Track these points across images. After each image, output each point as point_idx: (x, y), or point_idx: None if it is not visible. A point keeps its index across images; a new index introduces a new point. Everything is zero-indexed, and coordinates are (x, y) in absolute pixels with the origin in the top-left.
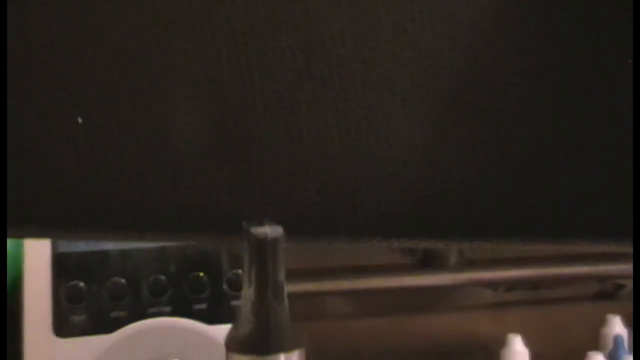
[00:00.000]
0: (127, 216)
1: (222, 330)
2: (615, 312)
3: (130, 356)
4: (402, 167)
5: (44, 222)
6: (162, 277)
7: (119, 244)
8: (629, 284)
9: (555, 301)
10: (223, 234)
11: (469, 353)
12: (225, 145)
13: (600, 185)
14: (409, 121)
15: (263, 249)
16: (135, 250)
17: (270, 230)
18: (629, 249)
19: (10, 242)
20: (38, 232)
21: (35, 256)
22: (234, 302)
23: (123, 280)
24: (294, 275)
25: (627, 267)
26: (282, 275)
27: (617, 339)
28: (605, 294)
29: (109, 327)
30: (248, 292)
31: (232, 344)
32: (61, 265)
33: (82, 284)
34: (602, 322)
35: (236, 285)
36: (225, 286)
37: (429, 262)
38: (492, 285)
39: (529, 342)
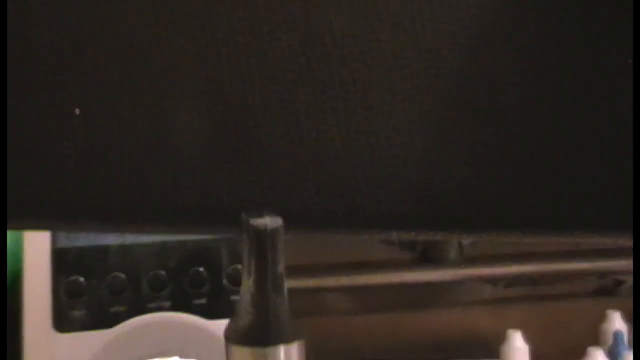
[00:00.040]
0: (126, 212)
1: (221, 325)
2: (615, 308)
3: (130, 351)
4: (402, 167)
5: (43, 214)
6: (162, 272)
7: (119, 239)
8: (629, 279)
9: (555, 297)
10: (222, 229)
11: (468, 349)
12: (225, 145)
13: (600, 185)
14: (409, 121)
15: (262, 240)
16: (135, 245)
17: (270, 221)
18: (628, 242)
19: (10, 238)
20: (37, 224)
21: (35, 251)
22: (234, 297)
23: (123, 275)
24: (294, 271)
25: (627, 263)
26: (281, 267)
27: (617, 335)
28: (605, 290)
29: (109, 322)
30: (247, 284)
31: (232, 335)
32: (61, 261)
33: (82, 279)
34: (602, 317)
35: (236, 280)
36: (225, 281)
37: (428, 258)
38: (492, 281)
39: (528, 337)
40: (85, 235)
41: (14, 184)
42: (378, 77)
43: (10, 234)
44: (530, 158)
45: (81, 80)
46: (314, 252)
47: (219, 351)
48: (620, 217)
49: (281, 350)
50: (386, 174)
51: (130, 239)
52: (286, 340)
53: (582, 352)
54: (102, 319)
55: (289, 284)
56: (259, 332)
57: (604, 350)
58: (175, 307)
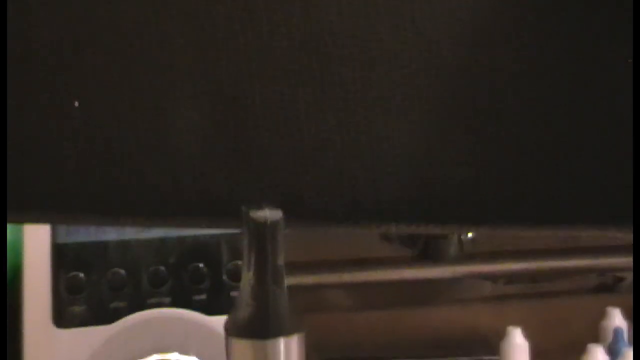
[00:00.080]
0: (126, 206)
1: (221, 321)
2: (615, 305)
3: (130, 347)
4: (402, 166)
5: (43, 208)
6: (162, 268)
7: (119, 235)
8: (629, 277)
9: (555, 294)
10: (222, 222)
11: (468, 345)
12: (225, 145)
13: (600, 185)
14: (409, 121)
15: (262, 233)
16: (135, 241)
17: (270, 214)
18: (628, 235)
19: (10, 233)
20: (36, 218)
21: (35, 247)
22: (234, 293)
23: (123, 271)
24: (295, 267)
25: (627, 260)
26: (281, 259)
27: (617, 332)
28: (605, 287)
29: (109, 317)
30: (247, 276)
31: (231, 328)
32: (61, 256)
33: (81, 275)
34: (602, 314)
35: (236, 276)
36: (224, 277)
37: (429, 255)
38: (492, 278)
39: (528, 334)
40: (85, 231)
41: (13, 183)
42: (378, 77)
43: (10, 230)
44: (530, 158)
45: (81, 80)
46: (314, 249)
47: (219, 347)
48: (620, 212)
49: (281, 342)
50: (386, 173)
51: (130, 235)
52: (286, 332)
53: (582, 348)
54: (102, 315)
55: (289, 280)
56: (258, 324)
57: (604, 347)
58: (175, 303)
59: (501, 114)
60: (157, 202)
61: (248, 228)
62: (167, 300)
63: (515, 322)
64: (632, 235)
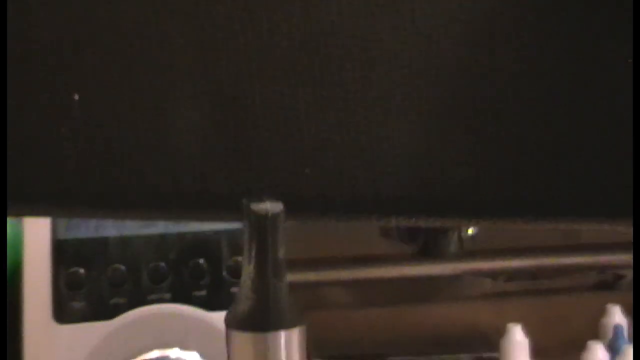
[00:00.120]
0: (126, 200)
1: (222, 317)
2: (615, 302)
3: (130, 342)
4: (402, 166)
5: (41, 201)
6: (162, 264)
7: (119, 231)
8: (629, 274)
9: (555, 291)
10: (223, 216)
11: (468, 342)
12: (225, 145)
13: (600, 186)
14: (409, 121)
15: (263, 225)
16: (135, 237)
17: (271, 206)
18: (628, 228)
19: (10, 229)
20: (35, 211)
21: (35, 243)
22: (234, 289)
23: (123, 267)
24: (294, 265)
25: (627, 258)
26: (282, 252)
27: (617, 329)
28: (605, 284)
29: (109, 313)
30: (248, 269)
31: (232, 321)
32: (61, 252)
33: (82, 271)
34: (602, 312)
35: (236, 272)
36: (225, 273)
37: (429, 252)
38: (492, 275)
39: (529, 331)
40: (85, 227)
41: (13, 184)
42: (378, 77)
43: (10, 226)
44: (530, 158)
45: (81, 80)
46: (313, 246)
47: (219, 343)
48: (620, 211)
49: (282, 335)
50: (386, 173)
51: (130, 231)
52: (287, 325)
53: (582, 345)
54: (102, 311)
55: (288, 278)
56: (259, 317)
57: (604, 344)
58: (175, 299)
59: (501, 114)
60: (157, 199)
61: (249, 221)
62: (168, 296)
63: (516, 319)
64: (631, 230)
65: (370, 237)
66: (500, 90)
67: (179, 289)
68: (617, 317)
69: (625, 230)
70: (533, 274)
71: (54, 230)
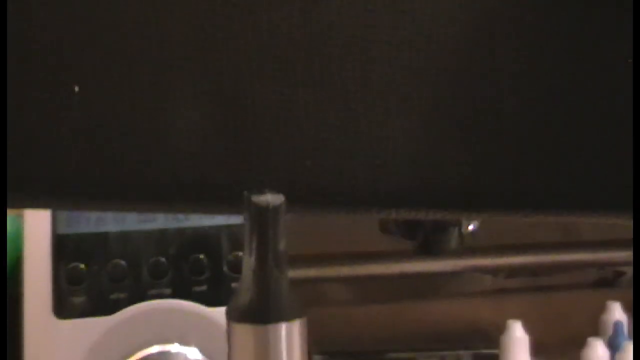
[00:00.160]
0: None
1: (222, 312)
2: (615, 299)
3: (130, 338)
4: (402, 166)
5: (41, 193)
6: (162, 259)
7: (120, 226)
8: (629, 271)
9: (555, 288)
10: (223, 208)
11: (469, 339)
12: (225, 145)
13: (600, 186)
14: (409, 121)
15: (264, 217)
16: (136, 232)
17: (272, 198)
18: (628, 222)
19: (10, 224)
20: (35, 203)
21: (35, 238)
22: (234, 284)
23: (123, 262)
24: (294, 261)
25: (627, 255)
26: (283, 244)
27: (617, 326)
28: (605, 281)
29: (109, 308)
30: (249, 262)
31: (233, 313)
32: (61, 247)
33: (82, 266)
34: (602, 308)
35: (236, 268)
36: (225, 268)
37: (429, 248)
38: (493, 271)
39: (529, 328)
40: (85, 222)
41: (13, 184)
42: (378, 76)
43: (10, 221)
44: (530, 158)
45: (81, 80)
46: (313, 243)
47: (220, 338)
48: (620, 210)
49: (282, 327)
50: (386, 173)
51: (130, 226)
52: (287, 317)
53: (582, 342)
54: (102, 306)
55: (288, 274)
56: (260, 309)
57: (604, 340)
58: (175, 294)
59: (501, 114)
60: (157, 180)
61: (250, 213)
62: (168, 291)
63: (516, 316)
64: (631, 227)
65: (370, 233)
66: (500, 90)
67: (179, 284)
68: (617, 313)
69: (625, 224)
70: (533, 270)
71: (54, 225)
